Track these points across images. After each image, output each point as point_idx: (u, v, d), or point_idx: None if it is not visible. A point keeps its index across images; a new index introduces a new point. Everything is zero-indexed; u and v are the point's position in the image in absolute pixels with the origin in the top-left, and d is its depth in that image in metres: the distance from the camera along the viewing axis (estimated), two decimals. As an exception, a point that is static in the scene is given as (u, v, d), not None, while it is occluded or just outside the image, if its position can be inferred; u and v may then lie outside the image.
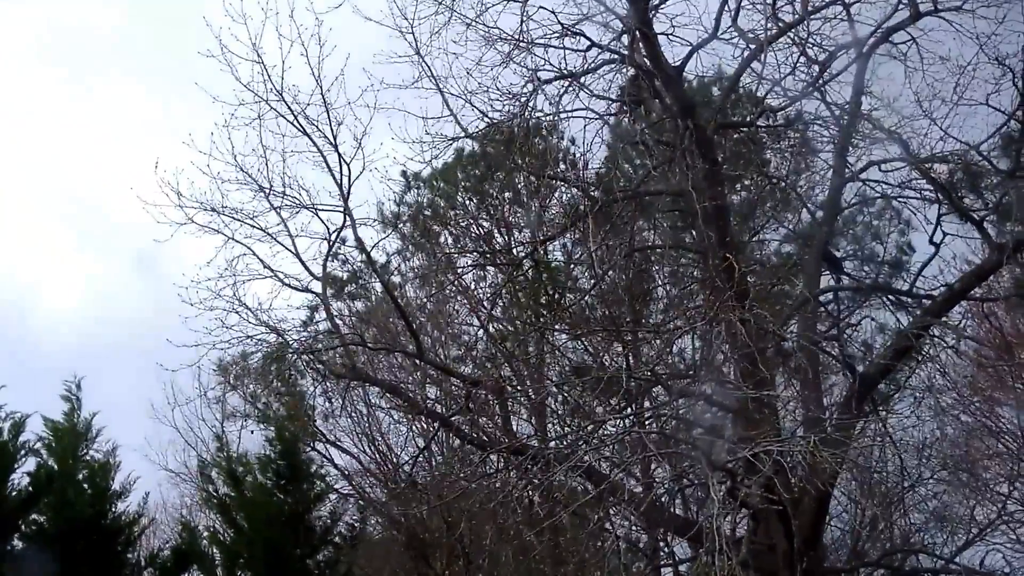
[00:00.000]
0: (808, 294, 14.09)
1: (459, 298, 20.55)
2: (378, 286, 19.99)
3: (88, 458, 17.28)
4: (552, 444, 14.14)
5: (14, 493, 16.54)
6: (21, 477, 16.84)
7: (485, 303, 20.09)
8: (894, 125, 14.26)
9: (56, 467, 16.88)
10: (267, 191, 14.63)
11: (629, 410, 14.68)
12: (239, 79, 14.17)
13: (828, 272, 15.63)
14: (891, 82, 14.40)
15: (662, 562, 18.96)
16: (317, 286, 15.28)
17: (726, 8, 13.99)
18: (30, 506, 16.58)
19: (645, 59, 13.64)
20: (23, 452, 16.70)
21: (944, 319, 14.69)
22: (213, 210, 14.67)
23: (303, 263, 14.84)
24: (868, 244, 18.19)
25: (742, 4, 14.15)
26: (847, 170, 14.95)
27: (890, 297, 15.79)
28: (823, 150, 15.62)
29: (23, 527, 16.49)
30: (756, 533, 13.13)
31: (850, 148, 14.80)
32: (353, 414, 21.56)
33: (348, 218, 14.75)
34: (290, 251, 14.76)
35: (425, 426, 20.31)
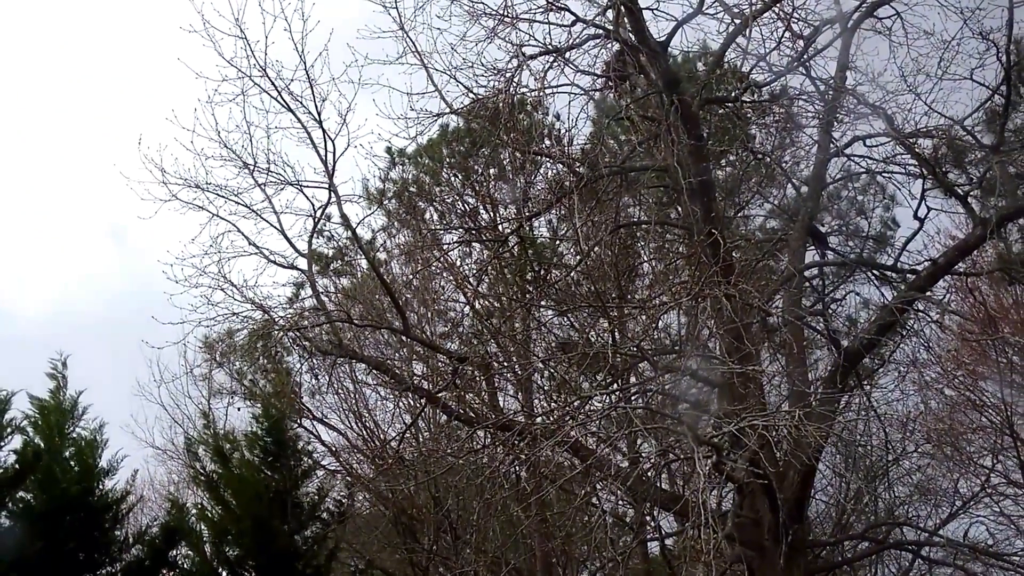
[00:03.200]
0: (793, 269, 14.15)
1: (445, 274, 20.53)
2: (364, 263, 19.95)
3: (75, 435, 17.24)
4: (539, 420, 14.18)
5: (0, 471, 16.52)
6: (7, 455, 16.79)
7: (471, 279, 20.08)
8: (879, 100, 14.31)
9: (43, 445, 16.84)
10: (251, 167, 14.59)
11: (615, 385, 14.75)
12: (222, 55, 14.12)
13: (813, 247, 15.69)
14: (876, 57, 14.44)
15: (648, 536, 19.07)
16: (303, 263, 15.28)
17: (712, -18, 13.96)
18: (17, 484, 16.53)
19: (630, 34, 13.60)
20: (9, 430, 16.64)
21: (928, 293, 14.78)
22: (197, 186, 14.65)
23: (288, 240, 14.85)
24: (853, 219, 18.27)
25: (728, -22, 14.12)
26: (832, 145, 15.00)
27: (874, 272, 15.88)
28: (808, 125, 15.64)
29: (10, 504, 16.45)
30: (742, 507, 13.22)
31: (835, 123, 14.84)
32: (340, 391, 21.55)
33: (333, 195, 14.74)
34: (275, 228, 14.76)
35: (412, 402, 20.31)
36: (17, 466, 16.60)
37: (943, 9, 13.73)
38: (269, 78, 14.30)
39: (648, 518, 18.59)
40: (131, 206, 14.72)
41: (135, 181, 14.41)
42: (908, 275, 14.88)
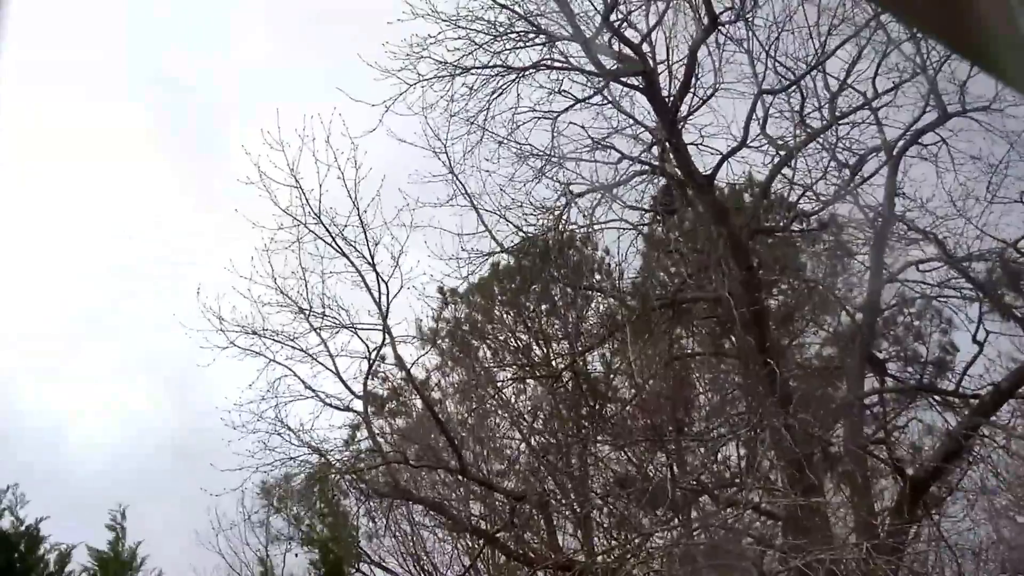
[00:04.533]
0: (853, 397, 13.95)
1: (500, 412, 20.45)
2: (419, 402, 19.93)
3: (133, 586, 17.20)
4: (599, 558, 13.93)
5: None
6: (68, 609, 16.80)
7: (526, 416, 19.99)
8: (929, 225, 14.29)
9: (102, 597, 16.81)
10: (307, 312, 14.79)
11: (676, 521, 14.47)
12: (278, 204, 14.47)
13: (872, 374, 15.47)
14: (923, 183, 14.48)
15: None
16: (358, 405, 15.35)
17: (754, 117, 14.18)
18: (76, 637, 16.46)
19: (676, 169, 13.80)
20: (69, 583, 16.67)
21: (993, 418, 14.46)
22: (254, 333, 14.84)
23: (344, 382, 14.94)
24: (910, 344, 18.03)
25: (770, 112, 14.35)
26: (885, 271, 14.92)
27: (936, 398, 15.58)
28: (859, 252, 15.62)
29: (69, 658, 16.36)
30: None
31: (886, 249, 14.80)
32: (397, 533, 21.30)
33: (387, 336, 14.87)
34: (331, 371, 14.87)
35: (470, 543, 20.03)
36: (77, 619, 16.54)
37: (988, 134, 13.81)
38: (323, 224, 14.61)
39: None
40: (190, 354, 14.95)
41: (194, 330, 14.64)
42: (971, 400, 14.60)
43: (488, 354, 22.03)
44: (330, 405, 14.98)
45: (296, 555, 20.54)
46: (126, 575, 17.05)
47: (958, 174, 14.02)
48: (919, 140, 14.37)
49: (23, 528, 16.70)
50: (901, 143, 14.39)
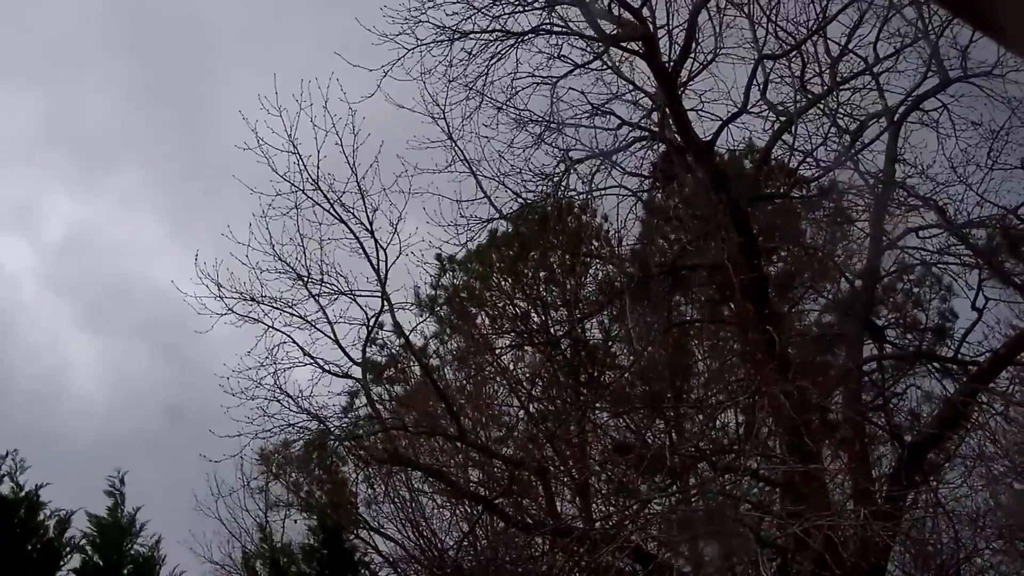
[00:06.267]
0: (851, 364, 13.95)
1: (498, 379, 20.46)
2: (417, 370, 19.96)
3: (133, 552, 17.23)
4: (597, 524, 13.97)
5: (61, 591, 16.51)
6: (67, 574, 16.84)
7: (524, 383, 20.00)
8: (930, 192, 14.25)
9: (101, 563, 16.84)
10: (305, 279, 14.76)
11: (674, 487, 14.50)
12: (276, 170, 14.40)
13: (871, 341, 15.46)
14: (924, 149, 14.42)
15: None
16: (357, 372, 15.35)
17: (755, 82, 14.11)
18: (77, 603, 16.52)
19: (676, 135, 13.72)
20: (68, 549, 16.70)
21: (992, 385, 14.47)
22: (252, 299, 14.81)
23: (342, 349, 14.93)
24: (910, 312, 18.01)
25: (770, 78, 14.27)
26: (884, 238, 14.88)
27: (935, 364, 15.59)
28: (859, 219, 15.57)
29: (70, 624, 16.42)
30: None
31: (886, 216, 14.75)
32: (396, 500, 21.34)
33: (386, 303, 14.85)
34: (329, 338, 14.85)
35: (469, 510, 20.10)
36: (77, 585, 16.60)
37: (990, 100, 13.73)
38: (322, 191, 14.55)
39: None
40: (188, 321, 14.93)
41: (192, 296, 14.61)
42: (969, 367, 14.60)
43: (486, 321, 22.01)
44: (329, 372, 14.99)
45: (295, 521, 20.61)
46: (125, 541, 17.07)
47: (959, 140, 14.01)
48: (920, 106, 14.30)
49: (23, 494, 16.71)
50: (902, 109, 14.34)
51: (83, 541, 16.99)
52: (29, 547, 16.38)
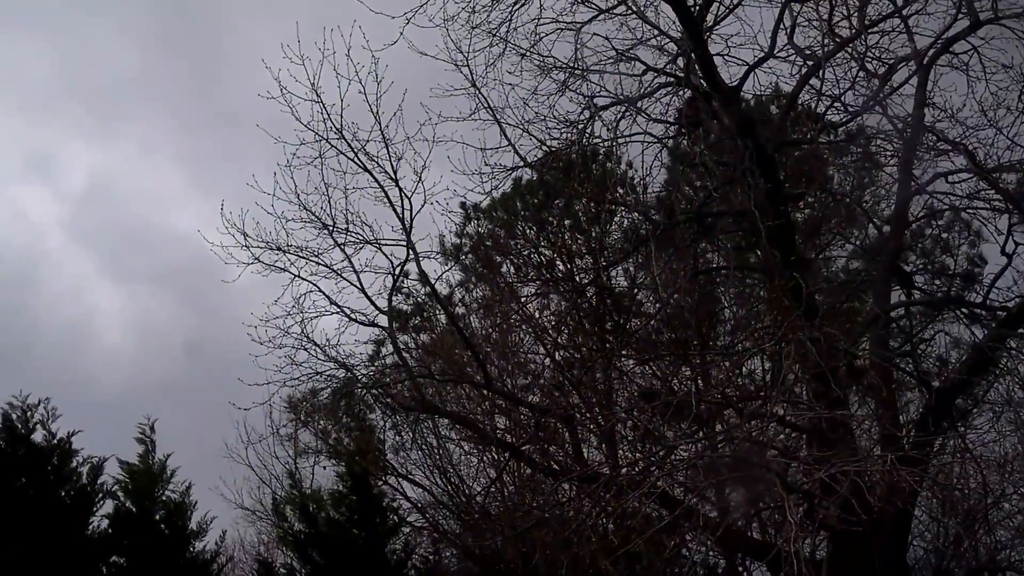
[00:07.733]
0: (879, 310, 13.88)
1: (524, 327, 20.51)
2: (443, 318, 20.02)
3: (164, 498, 17.51)
4: (624, 471, 14.02)
5: (95, 536, 16.80)
6: (100, 520, 17.13)
7: (550, 331, 20.04)
8: (959, 136, 14.05)
9: (134, 509, 17.12)
10: (331, 228, 14.75)
11: (701, 434, 14.53)
12: (299, 119, 14.35)
13: (898, 287, 15.38)
14: (954, 92, 14.22)
15: (740, 587, 18.68)
16: (383, 320, 15.38)
17: (782, 26, 13.94)
18: (110, 548, 16.81)
19: (701, 80, 13.59)
20: (101, 495, 16.98)
21: (1020, 331, 14.38)
22: (279, 249, 14.84)
23: (368, 298, 14.94)
24: (938, 257, 17.88)
25: (798, 21, 14.09)
26: (913, 183, 14.74)
27: (963, 310, 15.48)
28: (887, 164, 15.42)
29: (104, 569, 16.72)
30: (835, 556, 12.90)
31: (915, 161, 14.59)
32: (423, 447, 21.57)
33: (411, 252, 14.83)
34: (355, 286, 14.87)
35: (496, 456, 20.26)
36: (110, 531, 16.89)
37: (1021, 42, 13.50)
38: (346, 140, 14.47)
39: (740, 569, 18.22)
40: (212, 269, 15.01)
41: (218, 245, 14.67)
42: (998, 312, 14.50)
43: (511, 269, 22.03)
44: (355, 320, 15.03)
45: (324, 468, 20.85)
46: (156, 487, 17.34)
47: (989, 83, 13.79)
48: (950, 48, 14.08)
49: (55, 442, 16.97)
50: (932, 52, 14.12)
51: (115, 487, 17.29)
52: (63, 493, 16.67)
